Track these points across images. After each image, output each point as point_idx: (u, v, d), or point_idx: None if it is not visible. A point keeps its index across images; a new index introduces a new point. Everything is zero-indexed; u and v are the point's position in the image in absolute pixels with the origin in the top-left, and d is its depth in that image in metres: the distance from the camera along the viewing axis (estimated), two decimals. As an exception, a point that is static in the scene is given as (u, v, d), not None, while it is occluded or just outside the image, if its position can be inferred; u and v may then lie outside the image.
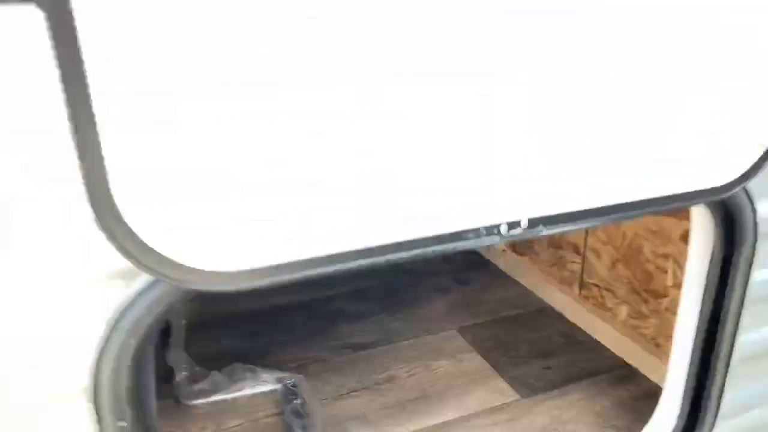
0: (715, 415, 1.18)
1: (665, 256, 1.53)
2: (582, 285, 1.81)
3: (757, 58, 0.82)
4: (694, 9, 0.74)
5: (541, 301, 1.90)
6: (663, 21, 0.72)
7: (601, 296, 1.76)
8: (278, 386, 1.47)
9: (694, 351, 1.17)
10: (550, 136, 0.72)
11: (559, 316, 1.83)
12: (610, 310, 1.75)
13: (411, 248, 0.68)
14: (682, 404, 1.21)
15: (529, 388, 1.53)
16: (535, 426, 1.41)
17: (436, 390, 1.53)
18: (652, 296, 1.61)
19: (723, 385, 1.16)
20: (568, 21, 0.66)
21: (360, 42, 0.58)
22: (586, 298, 1.81)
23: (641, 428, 1.30)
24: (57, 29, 0.48)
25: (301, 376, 1.50)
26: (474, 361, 1.64)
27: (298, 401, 1.40)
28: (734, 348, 1.13)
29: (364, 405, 1.45)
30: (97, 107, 0.50)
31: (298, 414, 1.36)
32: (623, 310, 1.70)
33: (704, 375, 1.17)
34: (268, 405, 1.44)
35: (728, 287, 1.06)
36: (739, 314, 1.10)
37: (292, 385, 1.45)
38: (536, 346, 1.70)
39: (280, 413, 1.41)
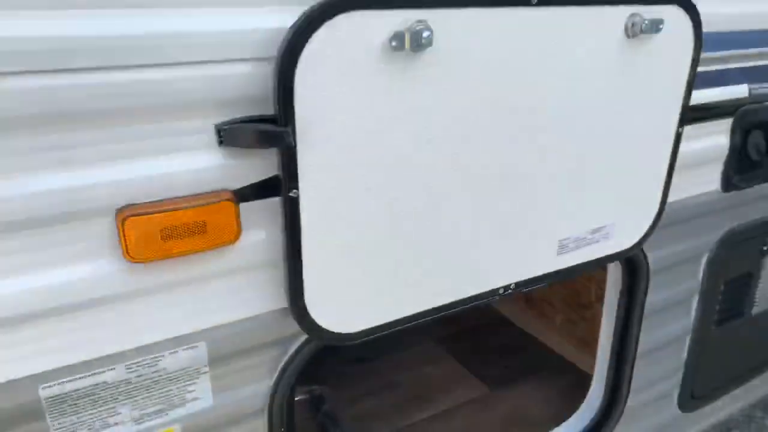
0: (628, 392, 1.69)
1: (589, 279, 2.05)
2: (528, 299, 2.32)
3: (641, 173, 1.32)
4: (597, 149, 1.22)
5: (497, 312, 2.40)
6: (582, 153, 1.19)
7: (542, 308, 2.28)
8: (307, 396, 1.87)
9: (612, 349, 1.66)
10: (530, 237, 1.18)
11: (512, 325, 2.34)
12: (549, 318, 2.27)
13: (462, 305, 1.12)
14: (606, 386, 1.70)
15: (495, 383, 2.02)
16: (504, 411, 1.89)
17: (427, 390, 1.98)
18: (581, 308, 2.14)
19: (632, 371, 1.68)
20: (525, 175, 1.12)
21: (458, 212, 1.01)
22: (532, 309, 2.32)
23: (578, 407, 1.80)
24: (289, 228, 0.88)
25: (324, 386, 1.91)
26: (452, 365, 2.11)
27: (327, 406, 1.81)
28: (638, 346, 1.65)
29: (376, 406, 1.88)
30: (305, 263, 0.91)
31: (329, 416, 1.77)
32: (559, 318, 2.23)
33: (619, 365, 1.67)
34: (301, 411, 1.84)
35: (632, 307, 1.57)
36: (640, 324, 1.61)
37: (320, 394, 1.85)
38: (497, 350, 2.19)
39: (313, 417, 1.81)
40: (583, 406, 1.74)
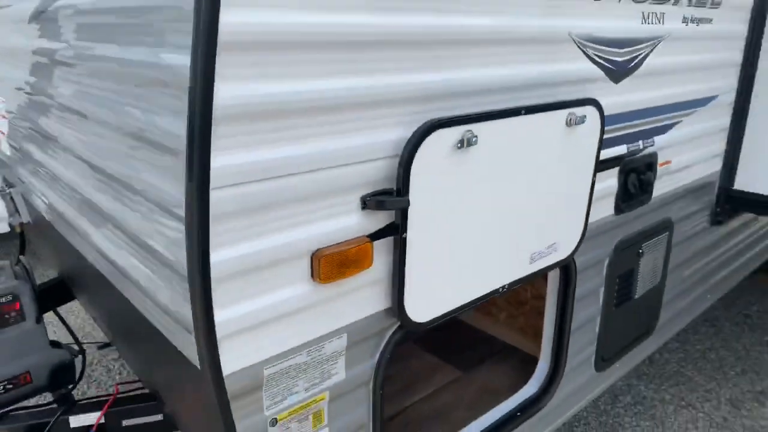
0: (566, 361, 2.38)
1: (525, 282, 2.74)
2: (477, 303, 2.98)
3: (574, 207, 2.01)
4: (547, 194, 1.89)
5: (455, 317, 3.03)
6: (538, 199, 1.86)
7: (489, 308, 2.95)
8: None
9: (554, 332, 2.34)
10: (517, 252, 1.81)
11: (466, 324, 2.98)
12: (495, 315, 2.94)
13: (481, 300, 1.71)
14: (551, 359, 2.39)
15: (465, 368, 2.62)
16: (476, 388, 2.49)
17: (414, 378, 2.53)
18: (519, 304, 2.82)
19: (568, 345, 2.36)
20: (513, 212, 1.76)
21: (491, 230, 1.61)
22: (481, 308, 2.98)
23: (527, 378, 2.45)
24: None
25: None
26: (428, 357, 2.68)
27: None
28: (571, 327, 2.34)
29: (383, 393, 2.41)
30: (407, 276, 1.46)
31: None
32: (503, 314, 2.90)
33: (559, 342, 2.32)
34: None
35: (566, 299, 2.25)
36: (572, 311, 2.30)
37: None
38: (460, 343, 2.80)
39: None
40: (535, 375, 2.39)
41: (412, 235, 1.44)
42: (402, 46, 1.32)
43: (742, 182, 2.92)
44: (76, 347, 2.65)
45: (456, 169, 1.48)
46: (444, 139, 1.43)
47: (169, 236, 1.22)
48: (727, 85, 2.73)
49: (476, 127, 1.48)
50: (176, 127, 1.11)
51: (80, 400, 2.66)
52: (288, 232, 1.25)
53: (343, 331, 1.44)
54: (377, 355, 1.56)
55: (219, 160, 1.09)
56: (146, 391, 2.50)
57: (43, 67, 1.86)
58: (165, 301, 1.33)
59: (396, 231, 1.43)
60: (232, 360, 1.23)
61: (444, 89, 1.44)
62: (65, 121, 1.76)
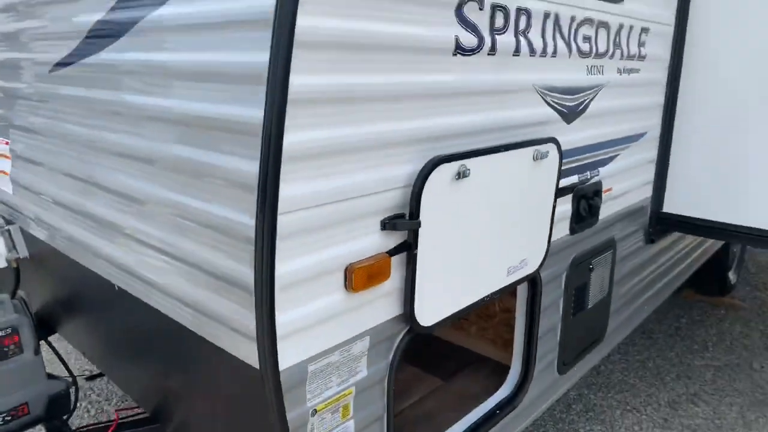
0: (534, 365, 2.70)
1: (493, 298, 3.07)
2: (450, 320, 3.28)
3: (539, 228, 2.37)
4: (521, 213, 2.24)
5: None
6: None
7: (461, 323, 3.26)
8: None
9: (524, 341, 2.66)
10: (499, 265, 2.14)
11: (440, 339, 3.27)
12: (466, 329, 3.25)
13: (471, 308, 2.01)
14: (521, 366, 2.68)
15: (445, 377, 2.90)
16: (455, 394, 2.76)
17: (401, 388, 2.78)
18: (489, 317, 3.14)
19: (536, 351, 2.69)
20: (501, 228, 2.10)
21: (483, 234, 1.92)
22: (453, 323, 3.28)
23: (501, 384, 2.74)
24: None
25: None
26: (411, 369, 2.95)
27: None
28: (538, 335, 2.67)
29: (375, 402, 2.64)
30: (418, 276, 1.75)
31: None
32: (474, 327, 3.22)
33: (529, 348, 2.63)
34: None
35: (534, 309, 2.58)
36: (539, 319, 2.64)
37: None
38: (437, 356, 3.08)
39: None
40: (508, 379, 2.68)
41: (421, 251, 1.74)
42: (415, 99, 1.64)
43: (670, 205, 3.40)
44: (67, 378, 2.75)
45: (455, 196, 1.80)
46: (446, 172, 1.74)
47: (233, 256, 1.47)
48: (654, 123, 3.23)
49: (469, 162, 1.81)
50: (249, 166, 1.37)
51: (79, 428, 2.75)
52: (329, 250, 1.52)
53: (366, 334, 1.70)
54: (390, 356, 1.83)
55: (284, 192, 1.36)
56: (146, 415, 2.63)
57: (97, 113, 2.00)
58: (221, 312, 1.56)
59: (409, 248, 1.73)
60: (286, 358, 1.47)
61: (445, 131, 1.77)
62: (113, 162, 1.95)
